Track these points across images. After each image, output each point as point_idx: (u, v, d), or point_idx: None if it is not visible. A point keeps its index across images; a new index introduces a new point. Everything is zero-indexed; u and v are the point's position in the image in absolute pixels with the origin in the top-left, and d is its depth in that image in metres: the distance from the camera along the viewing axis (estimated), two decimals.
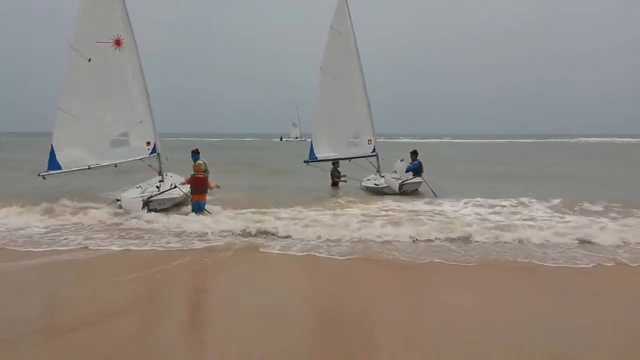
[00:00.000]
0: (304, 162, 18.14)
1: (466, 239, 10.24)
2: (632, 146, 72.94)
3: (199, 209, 12.51)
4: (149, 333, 6.00)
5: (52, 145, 13.52)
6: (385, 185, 16.73)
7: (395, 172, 17.52)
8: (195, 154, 15.34)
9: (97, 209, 13.13)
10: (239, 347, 5.30)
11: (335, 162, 18.25)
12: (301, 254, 9.31)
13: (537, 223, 11.57)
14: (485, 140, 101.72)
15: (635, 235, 10.32)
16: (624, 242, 9.96)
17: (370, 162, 18.34)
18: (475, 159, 40.54)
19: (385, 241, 10.10)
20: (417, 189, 16.67)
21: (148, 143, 14.78)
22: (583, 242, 10.05)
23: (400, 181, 16.46)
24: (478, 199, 15.01)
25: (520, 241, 10.09)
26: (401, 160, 17.63)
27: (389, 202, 14.51)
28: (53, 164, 13.55)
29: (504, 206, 13.95)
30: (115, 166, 14.53)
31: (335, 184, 18.13)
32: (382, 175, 17.58)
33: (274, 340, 5.50)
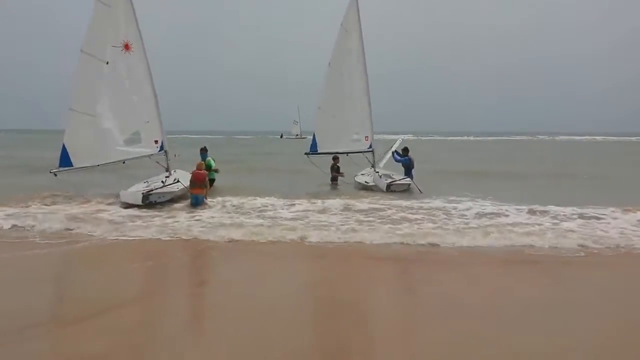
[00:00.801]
0: (305, 154, 18.77)
1: (450, 233, 10.60)
2: (610, 144, 73.64)
3: (197, 202, 13.56)
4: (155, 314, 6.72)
5: (63, 143, 14.36)
6: (374, 184, 17.32)
7: (393, 147, 17.81)
8: (204, 152, 16.19)
9: (105, 203, 13.90)
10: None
11: (335, 157, 18.73)
12: (289, 243, 10.09)
13: (522, 219, 12.19)
14: (478, 138, 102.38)
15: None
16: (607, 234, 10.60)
17: (367, 158, 18.97)
18: (465, 157, 40.67)
19: (374, 243, 10.28)
20: (405, 189, 16.88)
21: (156, 141, 15.61)
22: (567, 233, 10.60)
23: (388, 181, 16.85)
24: (465, 193, 15.66)
25: (503, 234, 10.48)
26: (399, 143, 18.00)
27: (379, 199, 14.96)
28: (65, 161, 14.40)
29: (491, 202, 14.27)
30: (124, 162, 15.39)
31: (334, 179, 18.59)
32: (376, 171, 18.13)
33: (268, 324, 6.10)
